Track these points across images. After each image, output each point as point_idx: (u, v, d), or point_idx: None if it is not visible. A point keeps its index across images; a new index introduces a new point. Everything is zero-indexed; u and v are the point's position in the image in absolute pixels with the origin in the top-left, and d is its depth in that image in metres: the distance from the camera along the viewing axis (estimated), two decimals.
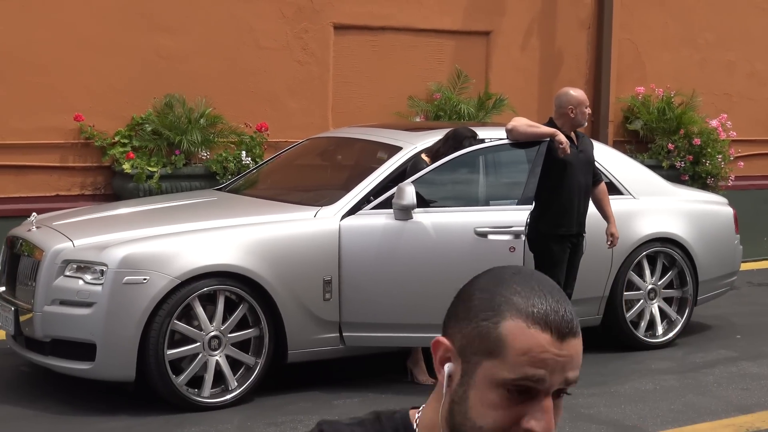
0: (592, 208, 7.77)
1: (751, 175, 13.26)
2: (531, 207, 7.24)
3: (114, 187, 9.61)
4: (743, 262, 9.80)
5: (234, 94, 10.18)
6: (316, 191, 8.17)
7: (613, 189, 8.35)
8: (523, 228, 7.15)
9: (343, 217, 7.29)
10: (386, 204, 7.28)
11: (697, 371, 8.11)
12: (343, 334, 7.28)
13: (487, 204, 7.56)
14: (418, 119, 10.93)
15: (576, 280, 7.70)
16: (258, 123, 10.03)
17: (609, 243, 7.86)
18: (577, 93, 7.64)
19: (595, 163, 7.83)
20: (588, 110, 7.62)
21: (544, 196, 7.37)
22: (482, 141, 7.77)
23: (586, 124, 7.72)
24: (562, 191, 7.46)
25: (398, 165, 7.64)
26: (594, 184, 7.76)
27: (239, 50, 10.23)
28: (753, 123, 13.52)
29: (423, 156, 7.59)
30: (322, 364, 7.60)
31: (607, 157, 8.57)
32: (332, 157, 8.98)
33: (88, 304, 6.67)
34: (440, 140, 7.63)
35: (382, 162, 7.73)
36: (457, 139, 7.58)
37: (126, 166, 9.34)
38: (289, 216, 7.34)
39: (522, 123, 7.47)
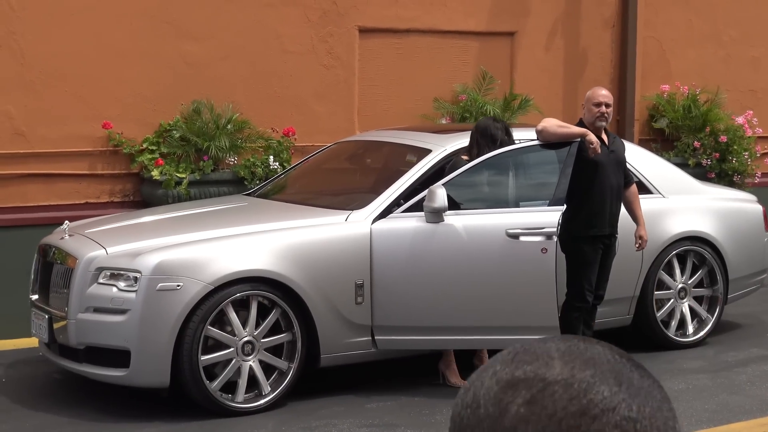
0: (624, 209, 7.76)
1: None
2: (563, 208, 7.23)
3: (143, 194, 9.64)
4: None
5: (260, 100, 10.20)
6: (346, 195, 8.18)
7: (643, 188, 8.32)
8: (554, 229, 7.14)
9: (375, 220, 7.29)
10: (417, 207, 7.28)
11: (729, 370, 8.08)
12: (376, 337, 7.29)
13: (518, 205, 7.54)
14: (444, 121, 10.91)
15: (608, 281, 7.69)
16: (285, 127, 10.04)
17: (638, 246, 7.84)
18: (591, 91, 7.64)
19: (627, 164, 7.82)
20: (599, 108, 7.47)
21: (576, 197, 7.36)
22: (513, 142, 7.75)
23: (602, 124, 7.56)
24: (593, 192, 7.45)
25: (428, 168, 7.64)
26: (625, 185, 7.74)
27: (265, 55, 10.24)
28: None
29: (462, 156, 7.57)
30: (354, 367, 7.61)
31: (635, 156, 8.54)
32: (361, 161, 8.99)
33: (122, 311, 6.70)
34: (470, 144, 7.60)
35: (411, 165, 7.73)
36: (484, 132, 7.53)
37: (155, 173, 9.35)
38: (321, 220, 7.35)
39: (552, 123, 7.46)
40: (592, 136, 7.34)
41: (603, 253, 7.57)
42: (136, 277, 6.69)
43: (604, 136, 7.61)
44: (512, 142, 7.55)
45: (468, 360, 7.72)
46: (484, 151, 7.43)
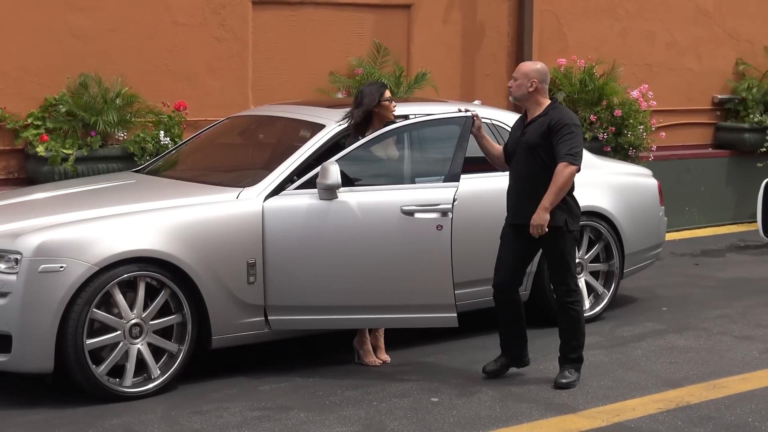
0: None
1: (672, 145, 13.33)
2: (457, 184, 7.11)
3: (28, 171, 9.35)
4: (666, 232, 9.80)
5: (150, 73, 9.94)
6: (237, 172, 7.99)
7: None
8: (450, 206, 7.03)
9: (267, 197, 7.13)
10: (310, 184, 7.14)
11: (625, 345, 8.10)
12: (269, 317, 7.14)
13: (413, 181, 7.42)
14: (340, 95, 10.77)
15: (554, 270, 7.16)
16: (176, 102, 9.81)
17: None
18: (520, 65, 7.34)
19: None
20: (511, 82, 7.30)
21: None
22: (406, 117, 7.64)
23: (512, 99, 7.39)
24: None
25: (322, 143, 7.49)
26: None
27: (155, 27, 9.97)
28: (673, 93, 13.58)
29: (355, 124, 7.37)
30: (247, 348, 7.45)
31: None
32: (254, 136, 8.78)
33: (3, 294, 6.45)
34: (352, 107, 7.41)
35: (305, 140, 7.58)
36: (363, 93, 7.39)
37: (40, 149, 9.08)
38: (211, 198, 7.16)
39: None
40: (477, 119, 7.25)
41: (543, 243, 7.05)
42: (17, 258, 6.44)
43: (535, 113, 7.11)
44: (373, 97, 7.32)
45: (388, 337, 7.66)
46: (355, 109, 7.30)
